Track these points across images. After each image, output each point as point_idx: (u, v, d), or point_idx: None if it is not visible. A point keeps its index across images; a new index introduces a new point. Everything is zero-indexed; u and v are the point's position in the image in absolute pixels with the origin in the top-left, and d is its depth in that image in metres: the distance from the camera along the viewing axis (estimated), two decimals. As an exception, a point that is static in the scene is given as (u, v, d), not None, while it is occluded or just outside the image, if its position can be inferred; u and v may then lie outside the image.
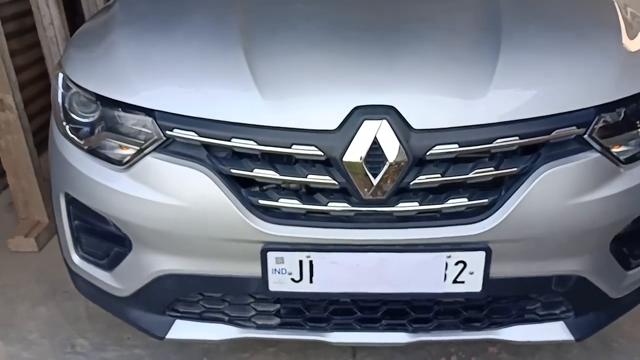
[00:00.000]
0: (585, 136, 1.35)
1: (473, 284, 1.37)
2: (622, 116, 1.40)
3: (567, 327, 1.51)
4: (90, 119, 1.46)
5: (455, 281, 1.37)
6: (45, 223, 2.50)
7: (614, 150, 1.40)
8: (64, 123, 1.50)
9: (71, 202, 1.55)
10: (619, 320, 1.69)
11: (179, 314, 1.53)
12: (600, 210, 1.38)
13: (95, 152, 1.44)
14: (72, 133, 1.48)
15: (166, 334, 1.53)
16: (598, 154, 1.36)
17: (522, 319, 1.51)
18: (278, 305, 1.50)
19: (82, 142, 1.46)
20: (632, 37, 1.56)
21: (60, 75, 1.53)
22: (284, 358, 1.85)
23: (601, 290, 1.49)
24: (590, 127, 1.35)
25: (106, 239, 1.52)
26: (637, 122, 1.43)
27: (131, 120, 1.39)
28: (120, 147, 1.41)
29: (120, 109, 1.40)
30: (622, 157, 1.40)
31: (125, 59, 1.46)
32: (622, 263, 1.51)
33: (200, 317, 1.52)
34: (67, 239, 1.61)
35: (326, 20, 1.57)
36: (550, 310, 1.52)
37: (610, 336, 1.90)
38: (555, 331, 1.51)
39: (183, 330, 1.53)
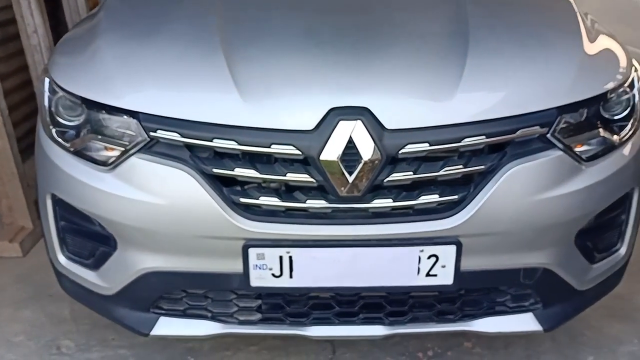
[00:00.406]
0: (548, 135, 1.43)
1: (445, 276, 1.44)
2: (583, 117, 1.48)
3: (536, 318, 1.58)
4: (76, 122, 1.50)
5: (428, 274, 1.43)
6: (29, 228, 2.52)
7: (577, 149, 1.48)
8: (51, 126, 1.54)
9: (57, 203, 1.59)
10: (586, 313, 1.77)
11: (163, 311, 1.57)
12: (563, 205, 1.46)
13: (81, 153, 1.49)
14: (58, 136, 1.53)
15: (151, 330, 1.57)
16: (561, 152, 1.44)
17: (493, 310, 1.58)
18: (259, 301, 1.55)
19: (68, 145, 1.51)
20: (591, 42, 1.65)
21: (47, 80, 1.58)
22: (266, 356, 1.90)
23: (567, 282, 1.57)
24: (553, 127, 1.43)
25: (92, 238, 1.56)
26: (598, 122, 1.51)
27: (116, 123, 1.44)
28: (106, 148, 1.46)
29: (105, 112, 1.45)
30: (584, 156, 1.48)
31: (110, 64, 1.52)
32: (586, 256, 1.59)
33: (184, 314, 1.57)
34: (54, 239, 1.64)
35: (303, 25, 1.64)
36: (520, 302, 1.59)
37: (578, 329, 1.98)
38: (524, 322, 1.58)
39: (167, 327, 1.57)
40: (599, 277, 1.65)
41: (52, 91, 1.55)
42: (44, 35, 2.56)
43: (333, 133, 1.34)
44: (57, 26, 3.21)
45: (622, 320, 2.05)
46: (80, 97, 1.48)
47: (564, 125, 1.45)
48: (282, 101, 1.39)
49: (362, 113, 1.35)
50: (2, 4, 2.83)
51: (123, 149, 1.43)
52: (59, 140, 1.53)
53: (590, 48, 1.62)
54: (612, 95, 1.53)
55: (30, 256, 2.47)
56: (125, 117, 1.43)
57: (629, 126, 1.57)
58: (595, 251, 1.62)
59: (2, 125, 2.36)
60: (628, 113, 1.56)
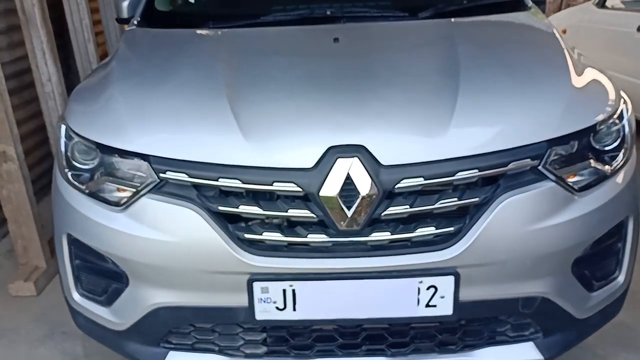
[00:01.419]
0: (540, 167, 1.47)
1: (444, 307, 1.47)
2: (574, 148, 1.53)
3: (536, 347, 1.60)
4: (91, 166, 1.59)
5: (427, 305, 1.47)
6: (43, 268, 2.59)
7: (569, 179, 1.52)
8: (67, 170, 1.64)
9: (73, 242, 1.66)
10: (591, 342, 1.78)
11: (172, 346, 1.62)
12: (557, 235, 1.49)
13: (95, 195, 1.57)
14: (74, 179, 1.62)
15: (161, 365, 1.61)
16: (553, 183, 1.49)
17: (493, 340, 1.60)
18: (264, 334, 1.59)
19: (83, 187, 1.59)
20: (579, 74, 1.71)
21: (63, 127, 1.68)
22: (274, 389, 1.92)
23: (566, 311, 1.58)
24: (544, 159, 1.48)
25: (105, 276, 1.63)
26: (589, 153, 1.56)
27: (128, 165, 1.53)
28: (118, 189, 1.54)
29: (117, 156, 1.54)
30: (576, 186, 1.52)
31: (122, 111, 1.62)
32: (585, 285, 1.61)
33: (192, 348, 1.61)
34: (69, 277, 1.71)
35: (302, 70, 1.74)
36: (520, 332, 1.61)
37: (585, 358, 1.98)
38: (525, 351, 1.59)
39: (176, 361, 1.61)
40: (599, 305, 1.66)
41: (69, 137, 1.65)
42: (57, 83, 2.70)
43: (331, 170, 1.41)
44: (68, 73, 3.37)
45: (627, 349, 2.04)
46: (95, 142, 1.58)
47: (555, 157, 1.49)
48: (283, 141, 1.47)
49: (358, 150, 1.42)
50: (18, 55, 3.00)
51: (135, 189, 1.51)
52: (75, 182, 1.61)
53: (578, 81, 1.68)
54: (601, 127, 1.57)
55: (43, 295, 2.53)
56: (136, 160, 1.51)
57: (620, 156, 1.61)
58: (593, 279, 1.63)
59: (18, 169, 2.46)
60: (619, 144, 1.60)
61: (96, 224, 1.56)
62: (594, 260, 1.63)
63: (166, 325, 1.59)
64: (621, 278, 1.70)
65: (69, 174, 1.63)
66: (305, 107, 1.55)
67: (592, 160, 1.55)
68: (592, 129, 1.56)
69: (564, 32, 4.94)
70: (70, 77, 3.37)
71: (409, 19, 2.07)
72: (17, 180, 2.48)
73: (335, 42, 1.89)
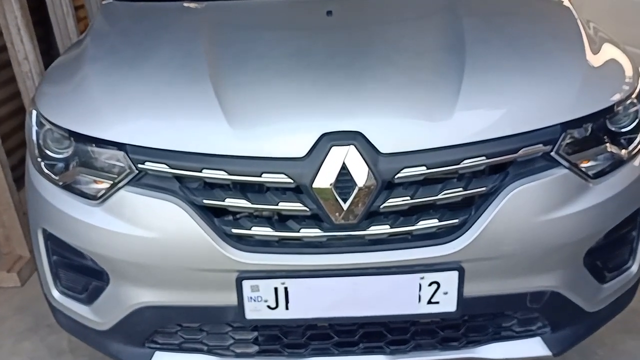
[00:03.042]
0: (553, 153, 1.37)
1: (448, 303, 1.39)
2: (589, 132, 1.43)
3: (544, 343, 1.52)
4: (64, 155, 1.47)
5: (429, 302, 1.38)
6: (27, 257, 2.50)
7: (583, 165, 1.42)
8: (39, 159, 1.52)
9: (49, 237, 1.56)
10: (598, 330, 1.70)
11: (158, 346, 1.53)
12: (571, 225, 1.40)
13: (70, 187, 1.46)
14: (47, 169, 1.50)
15: (147, 365, 1.53)
16: (566, 170, 1.38)
17: (499, 336, 1.52)
18: (256, 333, 1.51)
19: (57, 178, 1.48)
20: (595, 52, 1.60)
21: (34, 113, 1.55)
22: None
23: (576, 304, 1.50)
24: (557, 144, 1.37)
25: (84, 273, 1.53)
26: (605, 137, 1.46)
27: (104, 155, 1.41)
28: (95, 181, 1.43)
29: (93, 144, 1.42)
30: (590, 172, 1.43)
31: (96, 95, 1.49)
32: (596, 277, 1.53)
33: (180, 348, 1.53)
34: (47, 274, 1.62)
35: (291, 48, 1.60)
36: (527, 327, 1.53)
37: (591, 348, 1.92)
38: (532, 347, 1.52)
39: (163, 361, 1.53)
40: (610, 297, 1.58)
41: (39, 124, 1.52)
42: (34, 61, 2.55)
43: (325, 160, 1.30)
44: (49, 50, 3.21)
45: (636, 337, 1.98)
46: (67, 129, 1.45)
47: (569, 142, 1.39)
48: (272, 128, 1.35)
49: (354, 137, 1.31)
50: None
51: (112, 181, 1.39)
52: (48, 173, 1.50)
53: (594, 59, 1.57)
54: (618, 107, 1.47)
55: (28, 286, 2.45)
56: (113, 149, 1.39)
57: (638, 139, 1.51)
58: (605, 271, 1.55)
59: (-4, 155, 2.35)
60: (636, 125, 1.50)
61: (72, 219, 1.45)
62: (607, 251, 1.55)
63: (151, 325, 1.50)
64: (634, 268, 1.61)
65: (42, 163, 1.51)
66: (295, 90, 1.42)
67: (607, 144, 1.45)
68: (609, 110, 1.45)
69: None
70: (51, 55, 3.20)
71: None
72: (-6, 166, 2.37)
73: (329, 15, 1.75)
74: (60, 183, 1.47)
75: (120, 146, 1.38)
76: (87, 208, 1.43)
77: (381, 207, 1.32)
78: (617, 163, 1.47)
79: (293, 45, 1.62)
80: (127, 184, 1.38)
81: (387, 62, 1.51)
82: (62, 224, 1.49)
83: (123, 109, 1.44)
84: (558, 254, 1.42)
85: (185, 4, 1.94)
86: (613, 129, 1.47)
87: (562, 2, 1.87)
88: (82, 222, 1.43)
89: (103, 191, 1.41)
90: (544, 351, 1.52)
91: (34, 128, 1.54)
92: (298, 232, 1.34)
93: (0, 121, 2.47)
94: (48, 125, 1.50)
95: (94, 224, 1.41)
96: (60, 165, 1.48)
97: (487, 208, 1.34)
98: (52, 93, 1.59)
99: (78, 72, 1.58)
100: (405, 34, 1.66)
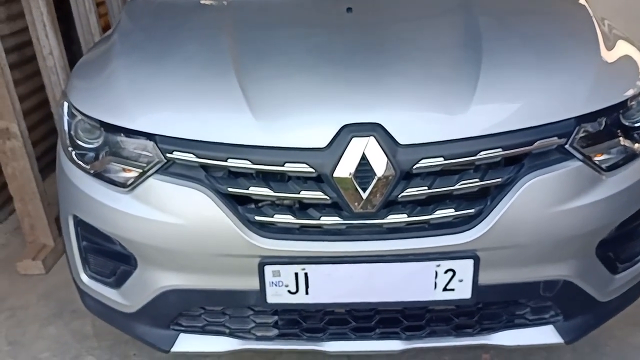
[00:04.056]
0: (567, 146, 1.40)
1: (463, 291, 1.43)
2: (602, 126, 1.46)
3: (556, 331, 1.56)
4: (95, 145, 1.53)
5: (445, 289, 1.42)
6: (51, 246, 2.57)
7: (596, 158, 1.45)
8: (70, 149, 1.58)
9: (79, 223, 1.62)
10: (609, 323, 1.72)
11: (182, 328, 1.59)
12: (584, 217, 1.43)
13: (100, 175, 1.52)
14: (78, 158, 1.56)
15: (171, 347, 1.59)
16: (580, 163, 1.42)
17: (512, 323, 1.56)
18: (276, 317, 1.56)
19: (88, 167, 1.54)
20: (609, 48, 1.63)
21: (66, 104, 1.62)
22: (283, 369, 1.91)
23: (589, 294, 1.54)
24: (571, 137, 1.40)
25: (113, 258, 1.59)
26: (618, 131, 1.49)
27: (133, 145, 1.47)
28: (124, 170, 1.48)
29: (122, 135, 1.48)
30: (603, 165, 1.46)
31: (125, 87, 1.54)
32: (608, 267, 1.56)
33: (203, 330, 1.58)
34: (76, 259, 1.67)
35: (314, 43, 1.65)
36: (540, 315, 1.56)
37: (601, 340, 1.94)
38: (545, 335, 1.56)
39: (187, 343, 1.59)
40: (622, 288, 1.61)
41: (71, 115, 1.58)
42: (59, 56, 2.62)
43: (346, 150, 1.34)
44: (71, 45, 3.28)
45: (647, 329, 2.00)
46: (98, 120, 1.51)
47: (583, 135, 1.42)
48: (294, 120, 1.40)
49: (374, 129, 1.35)
50: (19, 27, 2.91)
51: (141, 170, 1.45)
52: (79, 162, 1.56)
53: (608, 54, 1.60)
54: (632, 102, 1.50)
55: (52, 273, 2.51)
56: (142, 139, 1.45)
57: (651, 133, 1.53)
58: (617, 261, 1.58)
59: (22, 146, 2.42)
60: None
61: (102, 205, 1.51)
62: (619, 242, 1.58)
63: (176, 308, 1.56)
64: (646, 259, 1.64)
65: (73, 153, 1.57)
66: (317, 83, 1.47)
67: (621, 138, 1.48)
68: (622, 105, 1.48)
69: None
70: (72, 50, 3.28)
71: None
72: (21, 158, 2.44)
73: (349, 12, 1.80)
74: (91, 171, 1.53)
75: (149, 136, 1.43)
76: (116, 195, 1.49)
77: (399, 196, 1.37)
78: (630, 157, 1.50)
79: (314, 41, 1.66)
80: (156, 172, 1.43)
81: (406, 58, 1.55)
82: (92, 211, 1.55)
83: (152, 101, 1.50)
84: (571, 245, 1.45)
85: (208, 2, 2.00)
86: (626, 123, 1.50)
87: (578, 0, 1.90)
88: (111, 209, 1.49)
89: (132, 179, 1.46)
90: (557, 339, 1.55)
91: (66, 119, 1.60)
92: (318, 219, 1.39)
93: (25, 114, 2.52)
94: (79, 116, 1.56)
95: (124, 210, 1.47)
96: (91, 154, 1.54)
97: (502, 198, 1.38)
98: (83, 86, 1.65)
99: (107, 67, 1.65)
100: (423, 31, 1.70)
